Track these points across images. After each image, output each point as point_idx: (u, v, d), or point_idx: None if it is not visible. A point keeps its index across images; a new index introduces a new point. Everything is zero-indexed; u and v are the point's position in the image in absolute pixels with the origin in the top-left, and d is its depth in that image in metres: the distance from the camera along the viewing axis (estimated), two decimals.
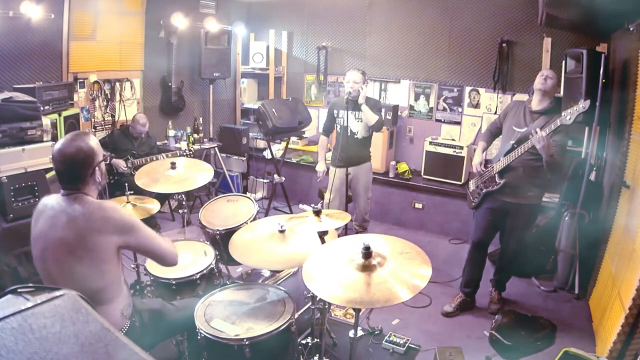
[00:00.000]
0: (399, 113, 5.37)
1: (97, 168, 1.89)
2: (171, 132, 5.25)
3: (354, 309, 2.12)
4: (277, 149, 5.51)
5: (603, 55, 3.44)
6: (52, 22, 3.90)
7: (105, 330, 0.90)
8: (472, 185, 3.52)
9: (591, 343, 3.06)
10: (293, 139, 5.47)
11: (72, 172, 1.84)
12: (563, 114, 2.80)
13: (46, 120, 3.30)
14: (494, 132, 3.49)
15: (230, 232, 2.67)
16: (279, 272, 2.85)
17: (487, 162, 3.43)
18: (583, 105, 2.70)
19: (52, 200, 1.87)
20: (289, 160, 5.69)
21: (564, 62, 4.02)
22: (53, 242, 1.79)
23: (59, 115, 3.81)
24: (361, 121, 3.90)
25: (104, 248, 1.79)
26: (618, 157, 3.41)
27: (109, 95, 4.67)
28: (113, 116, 4.75)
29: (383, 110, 4.83)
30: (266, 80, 6.09)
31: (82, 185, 1.86)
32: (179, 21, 5.08)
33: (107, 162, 4.05)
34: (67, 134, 1.92)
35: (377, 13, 5.38)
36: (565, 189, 4.00)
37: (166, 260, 2.02)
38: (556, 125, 2.82)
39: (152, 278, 2.59)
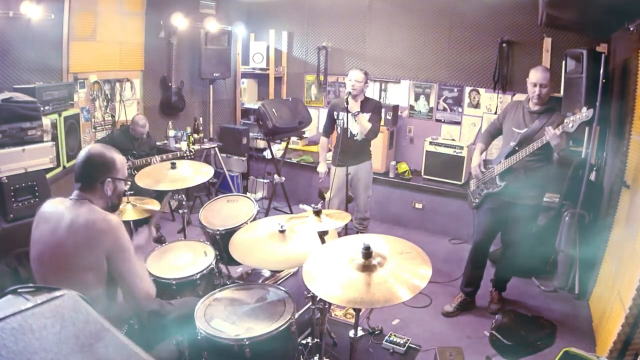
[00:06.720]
0: (399, 113, 5.36)
1: (109, 180, 1.91)
2: (171, 132, 5.25)
3: (354, 309, 2.12)
4: (277, 149, 5.51)
5: (603, 55, 3.43)
6: (52, 22, 3.89)
7: (105, 330, 0.90)
8: (472, 185, 3.52)
9: (591, 343, 3.06)
10: (293, 139, 5.46)
11: (85, 171, 1.89)
12: (566, 120, 2.81)
13: (46, 121, 3.30)
14: (493, 133, 3.48)
15: (230, 232, 2.67)
16: (279, 272, 2.85)
17: (487, 163, 3.43)
18: (586, 114, 2.73)
19: (58, 204, 1.88)
20: (289, 160, 5.68)
21: (564, 62, 4.01)
22: (51, 245, 1.79)
23: (59, 115, 3.81)
24: None
25: (95, 258, 1.80)
26: (618, 157, 3.40)
27: (109, 95, 4.67)
28: (113, 116, 4.74)
29: (383, 110, 4.83)
30: (266, 80, 6.09)
31: (90, 190, 1.89)
32: (179, 21, 5.08)
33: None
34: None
35: (377, 13, 5.38)
36: (565, 189, 4.00)
37: (136, 299, 1.91)
38: (560, 132, 2.84)
39: (152, 278, 2.57)
